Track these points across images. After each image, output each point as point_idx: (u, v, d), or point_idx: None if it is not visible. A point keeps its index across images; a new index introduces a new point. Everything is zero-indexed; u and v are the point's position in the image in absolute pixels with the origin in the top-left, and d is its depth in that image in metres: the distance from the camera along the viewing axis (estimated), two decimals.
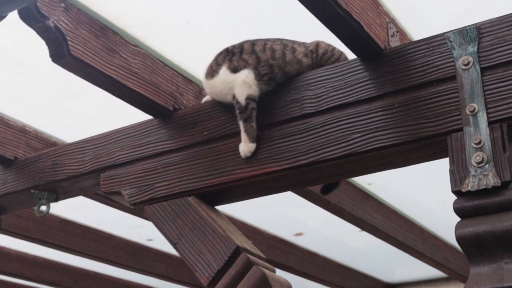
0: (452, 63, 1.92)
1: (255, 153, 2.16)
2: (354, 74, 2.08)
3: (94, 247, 4.15)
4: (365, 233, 3.72)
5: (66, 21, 2.07)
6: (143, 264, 4.49)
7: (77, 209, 3.77)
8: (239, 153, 2.19)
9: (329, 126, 2.07)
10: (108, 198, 3.16)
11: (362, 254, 4.72)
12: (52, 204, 2.74)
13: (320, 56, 2.18)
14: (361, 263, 4.93)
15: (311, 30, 2.20)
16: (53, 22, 2.03)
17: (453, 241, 4.21)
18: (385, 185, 3.47)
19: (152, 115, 2.43)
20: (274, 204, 3.73)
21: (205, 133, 2.30)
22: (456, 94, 1.89)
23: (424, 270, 4.90)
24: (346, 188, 3.31)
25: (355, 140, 2.01)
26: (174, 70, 2.47)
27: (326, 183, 2.32)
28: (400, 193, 3.60)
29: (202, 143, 2.30)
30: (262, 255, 2.22)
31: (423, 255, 4.05)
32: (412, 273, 5.25)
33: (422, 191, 3.66)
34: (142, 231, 4.20)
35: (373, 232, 3.60)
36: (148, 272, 4.59)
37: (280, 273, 4.20)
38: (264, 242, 4.10)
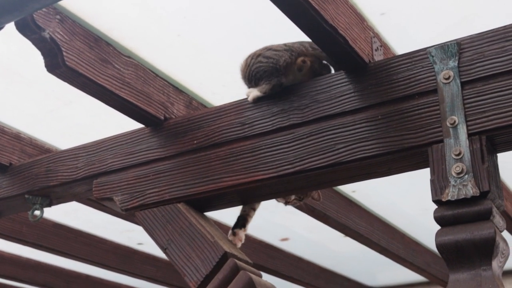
0: (434, 77, 1.94)
1: (242, 162, 2.17)
2: (340, 87, 2.09)
3: (85, 250, 4.15)
4: (348, 239, 3.73)
5: (61, 33, 2.08)
6: (133, 267, 4.49)
7: (70, 213, 3.77)
8: (227, 162, 2.20)
9: (315, 137, 2.08)
10: (99, 203, 3.17)
11: (345, 258, 4.73)
12: (46, 208, 2.74)
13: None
14: (345, 268, 4.95)
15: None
16: (48, 33, 2.03)
17: (434, 247, 4.22)
18: (369, 192, 3.48)
19: (143, 124, 2.43)
20: (261, 210, 3.70)
21: (195, 142, 2.30)
22: (437, 107, 1.90)
23: (405, 275, 4.92)
24: (331, 195, 3.32)
25: (340, 150, 2.02)
26: (165, 81, 2.47)
27: (308, 191, 2.33)
28: (383, 200, 3.62)
29: (191, 151, 2.30)
30: (249, 260, 2.22)
31: (404, 260, 4.07)
32: (394, 277, 5.27)
33: (404, 199, 3.68)
34: (132, 235, 4.20)
35: (357, 237, 3.61)
36: (138, 275, 4.59)
37: (266, 277, 4.21)
38: (251, 246, 4.11)
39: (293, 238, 4.27)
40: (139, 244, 4.40)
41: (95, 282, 5.16)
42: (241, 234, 2.34)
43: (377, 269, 4.94)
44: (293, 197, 2.36)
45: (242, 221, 2.37)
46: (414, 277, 4.97)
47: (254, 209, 2.41)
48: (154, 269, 4.61)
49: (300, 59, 2.15)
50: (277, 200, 2.40)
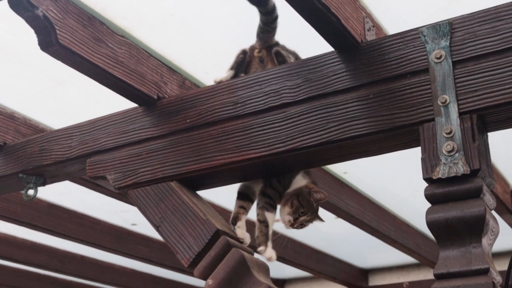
0: (425, 57, 1.91)
1: (234, 141, 2.15)
2: (331, 66, 2.07)
3: (80, 231, 4.14)
4: (340, 220, 3.72)
5: (54, 11, 2.05)
6: (127, 247, 4.48)
7: (65, 194, 3.75)
8: (220, 141, 2.18)
9: (306, 115, 2.06)
10: (94, 183, 3.15)
11: (337, 240, 4.73)
12: (40, 189, 2.72)
13: None
14: (336, 249, 4.95)
15: (291, 25, 2.19)
16: (42, 11, 2.00)
17: (424, 229, 4.23)
18: (360, 174, 3.47)
19: (137, 103, 2.41)
20: None
21: (188, 121, 2.28)
22: (429, 86, 1.88)
23: (396, 256, 4.92)
24: (323, 176, 3.31)
25: (331, 129, 2.00)
26: (159, 60, 2.45)
27: (301, 170, 2.31)
28: (374, 182, 3.61)
29: (184, 130, 2.28)
30: None
31: (395, 241, 4.07)
32: (385, 259, 5.27)
33: (396, 181, 3.67)
34: (126, 216, 4.19)
35: (348, 219, 3.61)
36: (131, 256, 4.58)
37: (258, 257, 4.20)
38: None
39: None
40: (133, 224, 4.39)
41: (89, 263, 5.15)
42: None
43: (368, 250, 4.94)
44: (301, 217, 2.26)
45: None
46: (405, 258, 4.97)
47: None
48: (148, 250, 4.60)
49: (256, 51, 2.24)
50: (285, 224, 2.30)
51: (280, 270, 5.29)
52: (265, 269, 2.14)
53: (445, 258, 1.72)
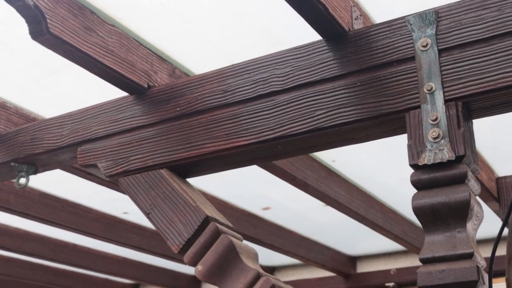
0: (412, 45, 1.92)
1: (224, 129, 2.15)
2: (319, 54, 2.07)
3: (72, 219, 4.13)
4: (329, 208, 3.73)
5: (45, 0, 2.04)
6: (118, 236, 4.47)
7: (57, 182, 3.74)
8: (209, 128, 2.19)
9: (295, 103, 2.06)
10: (86, 172, 3.14)
11: (326, 228, 4.73)
12: (32, 178, 2.71)
13: None
14: (325, 237, 4.95)
15: (280, 13, 2.18)
16: (32, 0, 1.99)
17: (411, 216, 4.24)
18: (348, 162, 3.47)
19: (127, 92, 2.40)
20: (244, 180, 3.73)
21: (178, 109, 2.28)
22: (415, 74, 1.89)
23: (384, 244, 4.93)
24: (312, 164, 3.31)
25: (319, 116, 2.00)
26: (149, 50, 2.44)
27: (289, 157, 2.31)
28: (362, 170, 3.61)
29: (174, 118, 2.28)
30: (230, 225, 2.21)
31: (382, 228, 4.08)
32: (373, 246, 5.28)
33: (383, 169, 3.67)
34: (118, 204, 4.18)
35: (336, 206, 3.62)
36: (123, 244, 4.57)
37: (248, 245, 4.21)
38: (234, 215, 4.10)
39: (274, 207, 4.26)
40: (125, 213, 4.38)
41: (81, 251, 5.14)
42: None
43: (357, 238, 4.95)
44: None
45: None
46: (392, 246, 4.98)
47: None
48: (139, 238, 4.60)
49: None
50: None
51: (269, 257, 5.30)
52: (254, 255, 2.14)
53: (431, 243, 1.72)
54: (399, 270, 5.29)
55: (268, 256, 5.22)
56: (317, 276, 5.55)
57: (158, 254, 4.84)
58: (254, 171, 3.01)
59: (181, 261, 2.21)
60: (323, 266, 5.16)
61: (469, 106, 1.84)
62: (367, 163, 3.55)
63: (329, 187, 3.45)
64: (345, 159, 3.43)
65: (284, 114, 2.07)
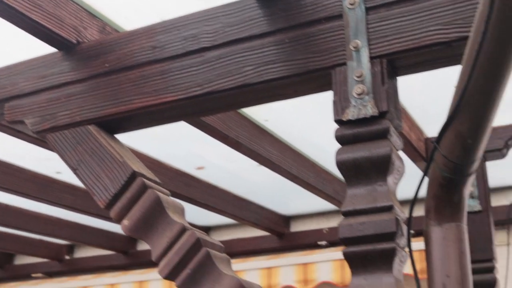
0: (340, 3, 1.93)
1: (152, 85, 2.14)
2: (249, 11, 2.06)
3: (4, 179, 4.06)
4: (263, 168, 3.75)
5: None
6: (51, 196, 4.42)
7: None
8: (138, 84, 2.17)
9: (223, 59, 2.06)
10: (15, 130, 3.09)
11: (259, 188, 4.76)
12: None
13: None
14: (259, 196, 4.98)
15: None
16: None
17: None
18: (281, 121, 3.49)
19: (55, 48, 2.36)
20: (178, 139, 3.71)
21: (107, 65, 2.25)
22: (342, 32, 1.90)
23: (316, 203, 4.98)
24: (244, 123, 3.32)
25: (247, 72, 2.01)
26: (79, 5, 2.39)
27: (219, 113, 2.31)
28: (294, 129, 3.64)
29: (103, 74, 2.25)
30: (158, 180, 2.21)
31: (315, 188, 4.13)
32: (306, 206, 5.34)
33: (315, 128, 3.70)
34: (50, 164, 4.12)
35: (269, 165, 3.64)
36: (56, 204, 4.52)
37: (182, 204, 4.20)
38: (168, 175, 4.09)
39: (208, 167, 4.26)
40: (58, 173, 4.32)
41: (14, 211, 5.07)
42: None
43: (290, 197, 4.99)
44: None
45: None
46: (325, 205, 5.04)
47: None
48: (73, 198, 4.55)
49: None
50: None
51: (205, 217, 5.31)
52: (180, 209, 2.15)
53: (352, 196, 1.76)
54: (331, 229, 5.37)
55: (203, 216, 5.24)
56: (251, 236, 5.60)
57: (92, 214, 4.80)
58: (187, 129, 3.00)
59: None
60: (257, 226, 5.20)
61: (394, 63, 1.86)
62: (299, 122, 3.57)
63: (261, 146, 3.46)
64: (277, 118, 3.44)
65: (213, 70, 2.06)
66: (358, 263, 1.69)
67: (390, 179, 1.74)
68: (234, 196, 4.78)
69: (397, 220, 1.67)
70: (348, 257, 1.71)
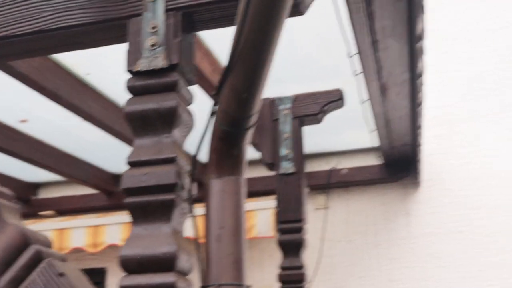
0: None
1: None
2: None
3: None
4: (92, 127, 3.67)
5: None
6: None
7: None
8: None
9: (21, 3, 1.98)
10: None
11: (88, 145, 4.64)
12: None
13: None
14: (87, 154, 4.87)
15: None
16: None
17: None
18: (103, 76, 3.41)
19: None
20: None
21: None
22: None
23: None
24: (64, 76, 3.23)
25: (45, 18, 1.95)
26: None
27: (20, 59, 2.23)
28: (117, 84, 3.56)
29: None
30: None
31: None
32: None
33: None
34: None
35: (91, 120, 3.57)
36: None
37: (4, 158, 4.03)
38: None
39: (34, 120, 4.11)
40: None
41: None
42: None
43: (118, 155, 4.91)
44: None
45: None
46: None
47: None
48: None
49: None
50: None
51: (33, 174, 5.15)
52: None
53: (139, 147, 1.75)
54: None
55: (31, 173, 5.09)
56: (81, 193, 5.47)
57: None
58: (7, 79, 2.89)
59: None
60: (86, 183, 5.10)
61: (191, 17, 1.86)
62: (122, 78, 3.51)
63: (83, 101, 3.39)
64: (100, 73, 3.37)
65: (10, 14, 1.99)
66: (139, 213, 1.69)
67: (177, 132, 1.74)
68: (62, 153, 4.64)
69: (178, 173, 1.67)
70: (130, 207, 1.70)
